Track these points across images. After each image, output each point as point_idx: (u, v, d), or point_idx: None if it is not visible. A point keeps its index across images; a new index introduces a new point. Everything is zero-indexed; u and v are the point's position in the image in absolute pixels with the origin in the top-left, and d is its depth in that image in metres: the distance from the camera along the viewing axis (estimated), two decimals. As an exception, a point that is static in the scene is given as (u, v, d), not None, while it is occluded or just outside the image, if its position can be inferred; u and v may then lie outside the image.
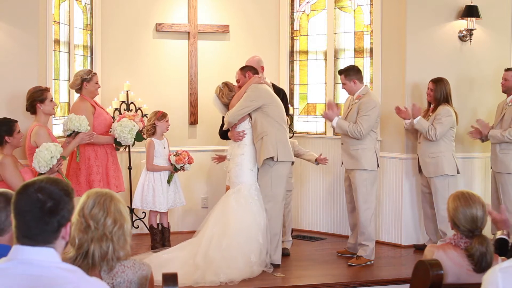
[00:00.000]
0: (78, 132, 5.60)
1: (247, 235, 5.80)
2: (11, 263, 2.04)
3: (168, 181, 6.51)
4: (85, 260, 2.54)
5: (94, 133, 5.79)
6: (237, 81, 6.21)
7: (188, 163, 6.54)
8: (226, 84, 6.21)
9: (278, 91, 6.49)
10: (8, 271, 2.01)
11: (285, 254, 6.29)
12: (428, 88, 6.53)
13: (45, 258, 2.05)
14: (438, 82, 6.45)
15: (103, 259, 2.55)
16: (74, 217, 2.56)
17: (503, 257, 3.36)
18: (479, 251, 3.19)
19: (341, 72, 6.32)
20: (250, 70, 6.17)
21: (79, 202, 2.61)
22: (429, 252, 3.31)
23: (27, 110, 5.53)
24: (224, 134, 6.44)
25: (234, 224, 5.82)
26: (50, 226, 2.06)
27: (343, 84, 6.29)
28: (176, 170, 6.51)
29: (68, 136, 5.67)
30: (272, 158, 5.92)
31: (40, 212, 2.04)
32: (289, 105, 7.09)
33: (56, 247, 2.10)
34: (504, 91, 6.52)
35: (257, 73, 6.21)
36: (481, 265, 3.19)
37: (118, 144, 6.09)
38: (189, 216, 7.47)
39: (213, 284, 5.43)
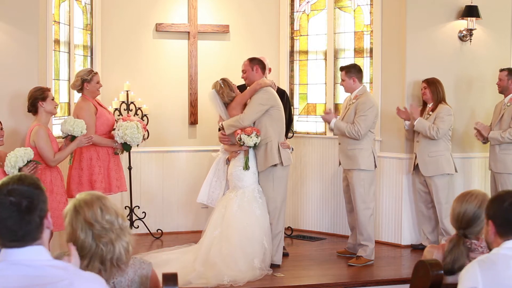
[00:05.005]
0: (73, 136, 5.60)
1: (249, 237, 5.80)
2: (1, 264, 2.03)
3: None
4: (113, 263, 2.53)
5: (92, 136, 5.77)
6: (243, 71, 6.15)
7: None
8: (226, 82, 6.07)
9: (282, 94, 6.48)
10: None
11: (284, 254, 6.29)
12: (422, 88, 6.57)
13: (35, 257, 2.04)
14: (433, 82, 6.51)
15: (127, 253, 2.57)
16: (84, 229, 2.50)
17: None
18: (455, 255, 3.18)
19: (342, 68, 6.38)
20: (259, 64, 6.12)
21: (72, 216, 2.51)
22: (429, 253, 3.30)
23: (28, 111, 5.51)
24: None
25: (236, 227, 5.81)
26: (33, 223, 2.05)
27: (342, 80, 6.34)
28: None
29: (64, 138, 5.68)
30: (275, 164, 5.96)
31: (19, 215, 2.03)
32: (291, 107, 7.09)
33: (44, 240, 2.09)
34: (500, 92, 6.54)
35: (264, 69, 6.17)
36: None
37: (127, 148, 6.05)
38: (188, 216, 7.47)
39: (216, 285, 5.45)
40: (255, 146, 5.93)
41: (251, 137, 5.87)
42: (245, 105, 6.07)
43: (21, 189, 2.05)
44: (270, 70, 6.56)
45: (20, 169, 5.03)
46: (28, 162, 5.10)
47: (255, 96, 5.98)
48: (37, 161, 5.22)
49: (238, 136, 5.92)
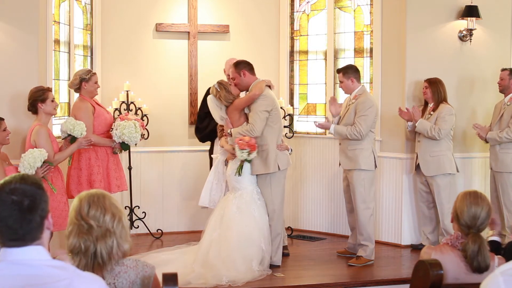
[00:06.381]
0: (73, 137, 5.60)
1: (248, 238, 5.79)
2: (0, 264, 2.03)
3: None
4: (95, 262, 2.52)
5: (92, 139, 5.77)
6: (232, 78, 6.01)
7: None
8: (222, 85, 5.96)
9: None
10: None
11: (285, 254, 6.29)
12: (424, 87, 6.57)
13: (35, 257, 2.04)
14: (435, 82, 6.51)
15: (110, 256, 2.54)
16: (71, 223, 2.54)
17: (499, 256, 3.37)
18: (471, 249, 3.20)
19: (339, 70, 6.37)
20: (244, 68, 5.97)
21: (71, 207, 2.57)
22: (426, 254, 3.31)
23: (28, 110, 5.54)
24: (204, 137, 6.66)
25: (234, 228, 5.81)
26: (34, 223, 2.05)
27: (341, 82, 6.34)
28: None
29: (63, 139, 5.68)
30: None
31: (20, 213, 2.03)
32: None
33: (44, 241, 2.09)
34: (501, 91, 6.57)
35: (252, 69, 6.02)
36: (473, 264, 3.20)
37: (125, 147, 6.04)
38: (188, 216, 7.47)
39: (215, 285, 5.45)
40: (247, 161, 5.85)
41: (243, 152, 5.78)
42: (242, 111, 6.00)
43: (23, 188, 2.06)
44: None
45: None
46: (43, 163, 5.14)
47: (256, 104, 5.88)
48: (50, 162, 5.25)
49: (234, 145, 5.85)
